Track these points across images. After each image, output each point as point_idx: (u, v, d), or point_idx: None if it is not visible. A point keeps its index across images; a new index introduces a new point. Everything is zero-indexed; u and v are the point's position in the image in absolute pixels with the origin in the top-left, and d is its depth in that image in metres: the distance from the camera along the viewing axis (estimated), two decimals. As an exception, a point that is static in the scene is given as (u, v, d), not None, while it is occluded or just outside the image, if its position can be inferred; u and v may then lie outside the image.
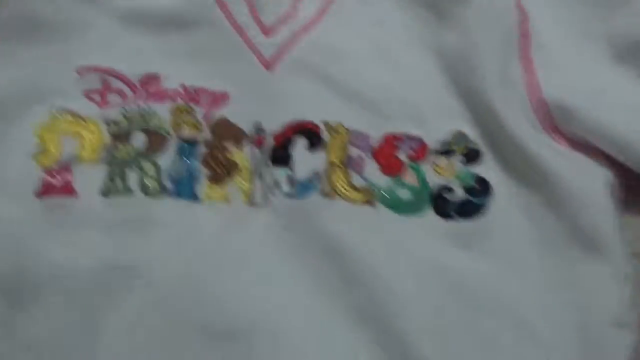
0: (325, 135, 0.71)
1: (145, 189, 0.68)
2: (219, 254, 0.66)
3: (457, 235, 0.69)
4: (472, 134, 0.72)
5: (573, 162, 0.70)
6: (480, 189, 0.70)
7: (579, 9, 0.73)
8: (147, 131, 0.70)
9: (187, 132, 0.71)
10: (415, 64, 0.74)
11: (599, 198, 0.69)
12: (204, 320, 0.65)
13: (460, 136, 0.72)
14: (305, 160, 0.70)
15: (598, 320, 0.67)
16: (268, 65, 0.73)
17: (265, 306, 0.65)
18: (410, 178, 0.71)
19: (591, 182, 0.69)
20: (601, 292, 0.67)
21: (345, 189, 0.69)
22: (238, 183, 0.70)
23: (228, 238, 0.67)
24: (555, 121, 0.71)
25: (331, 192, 0.69)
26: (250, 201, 0.69)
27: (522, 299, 0.67)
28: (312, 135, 0.71)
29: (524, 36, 0.73)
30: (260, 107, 0.71)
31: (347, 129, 0.71)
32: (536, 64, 0.72)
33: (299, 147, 0.70)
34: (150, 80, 0.72)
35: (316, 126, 0.71)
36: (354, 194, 0.69)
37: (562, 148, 0.71)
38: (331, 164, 0.70)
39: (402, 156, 0.71)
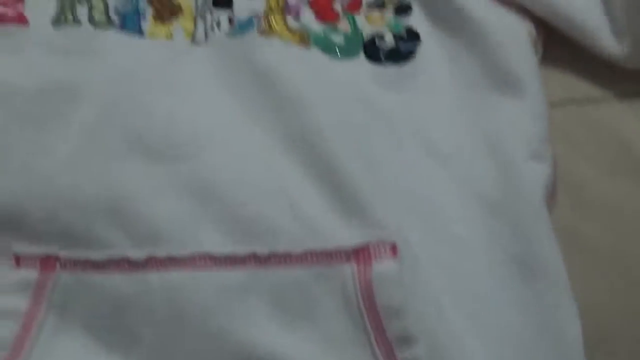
0: None
1: (93, 21, 0.72)
2: (161, 80, 0.70)
3: (385, 77, 0.73)
4: None
5: (497, 13, 0.75)
6: (409, 37, 0.75)
7: None
8: None
9: None
10: None
11: (519, 43, 0.74)
12: (145, 137, 0.67)
13: None
14: (245, 3, 0.74)
15: (516, 153, 0.71)
16: None
17: (201, 128, 0.68)
18: (344, 26, 0.75)
19: (513, 29, 0.75)
20: (519, 128, 0.72)
21: (281, 29, 0.74)
22: (181, 23, 0.74)
23: (170, 69, 0.71)
24: (482, -25, 0.76)
25: (268, 31, 0.73)
26: (192, 39, 0.73)
27: (443, 133, 0.72)
28: None
29: None
30: None
31: None
32: None
33: None
34: None
35: None
36: (289, 35, 0.74)
37: (488, 1, 0.76)
38: (270, 7, 0.74)
39: (337, 7, 0.76)
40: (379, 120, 0.72)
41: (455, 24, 0.75)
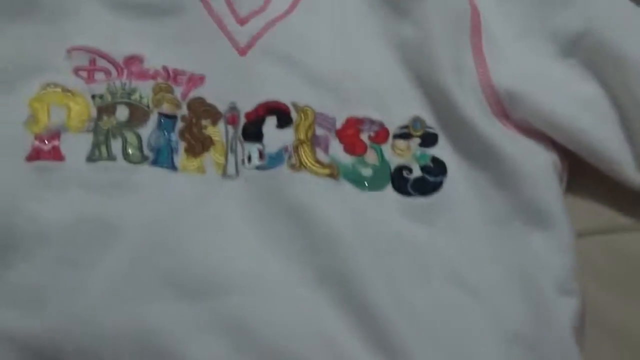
0: (294, 115, 0.76)
1: (127, 156, 0.73)
2: (194, 217, 0.70)
3: (413, 210, 0.74)
4: (429, 118, 0.77)
5: (521, 144, 0.77)
6: (436, 168, 0.76)
7: (524, 7, 0.81)
8: (129, 105, 0.75)
9: (166, 107, 0.75)
10: (375, 54, 0.80)
11: (545, 175, 0.75)
12: (180, 278, 0.68)
13: (418, 121, 0.78)
14: (275, 136, 0.75)
15: (546, 288, 0.72)
16: (242, 51, 0.78)
17: (235, 266, 0.69)
18: (371, 157, 0.77)
19: (537, 162, 0.76)
20: (548, 262, 0.73)
21: (311, 163, 0.75)
22: (212, 156, 0.75)
23: (202, 203, 0.72)
24: (505, 107, 0.77)
25: (298, 165, 0.74)
26: (224, 172, 0.74)
27: (472, 268, 0.72)
28: (281, 114, 0.76)
29: (475, 29, 0.79)
30: (234, 89, 0.76)
31: (313, 110, 0.77)
32: (486, 55, 0.78)
33: (270, 125, 0.76)
34: (133, 60, 0.76)
35: (286, 106, 0.76)
36: (319, 168, 0.75)
37: (511, 132, 0.77)
38: (299, 140, 0.75)
39: (364, 138, 0.77)
40: (408, 253, 0.72)
41: (480, 154, 0.76)
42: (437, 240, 0.73)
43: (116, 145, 0.73)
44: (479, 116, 0.76)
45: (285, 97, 0.77)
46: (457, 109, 0.76)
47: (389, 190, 0.76)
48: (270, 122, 0.75)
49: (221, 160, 0.75)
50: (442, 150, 0.77)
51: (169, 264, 0.68)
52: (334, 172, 0.75)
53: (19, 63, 0.75)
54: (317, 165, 0.75)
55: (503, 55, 0.78)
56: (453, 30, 0.78)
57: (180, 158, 0.74)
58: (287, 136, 0.75)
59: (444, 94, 0.76)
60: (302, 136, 0.76)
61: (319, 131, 0.77)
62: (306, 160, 0.75)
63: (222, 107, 0.77)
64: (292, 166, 0.74)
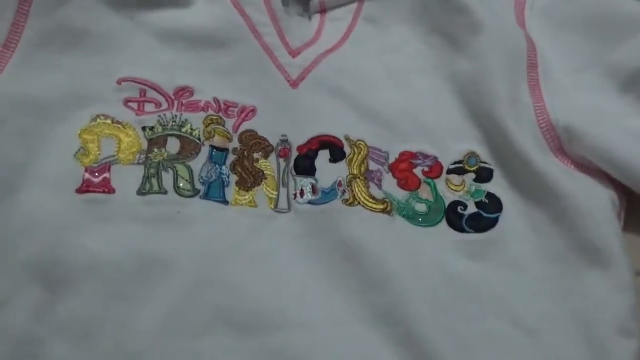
0: (346, 148, 0.75)
1: (178, 190, 0.72)
2: (246, 252, 0.69)
3: (468, 246, 0.73)
4: (483, 153, 0.76)
5: (578, 181, 0.75)
6: (491, 204, 0.75)
7: (582, 41, 0.79)
8: (180, 137, 0.74)
9: (217, 140, 0.74)
10: (428, 88, 0.79)
11: (603, 213, 0.73)
12: (232, 313, 0.67)
13: (472, 156, 0.77)
14: (328, 170, 0.74)
15: (604, 328, 0.70)
16: (293, 83, 0.77)
17: (287, 302, 0.68)
18: (425, 193, 0.75)
19: (595, 199, 0.74)
20: (606, 302, 0.71)
21: (364, 198, 0.73)
22: (264, 190, 0.73)
23: (254, 238, 0.70)
24: (562, 143, 0.76)
25: (351, 200, 0.73)
26: (275, 206, 0.73)
27: (528, 306, 0.71)
28: (334, 148, 0.75)
29: (532, 64, 0.78)
30: (286, 121, 0.75)
31: (366, 144, 0.76)
32: (543, 89, 0.77)
33: (322, 159, 0.74)
34: (184, 92, 0.76)
35: (338, 140, 0.75)
36: (373, 203, 0.73)
37: (568, 168, 0.75)
38: (352, 175, 0.74)
39: (418, 172, 0.76)
40: (463, 290, 0.71)
41: (537, 190, 0.74)
42: (492, 277, 0.72)
43: (167, 178, 0.72)
44: (536, 151, 0.74)
45: (337, 131, 0.76)
46: (513, 144, 0.75)
47: (444, 226, 0.74)
48: (323, 156, 0.74)
49: (273, 194, 0.73)
50: (497, 186, 0.75)
51: (220, 299, 0.68)
52: (388, 207, 0.74)
53: (69, 94, 0.73)
54: (371, 200, 0.74)
55: (560, 90, 0.77)
56: (510, 64, 0.77)
57: (231, 191, 0.73)
58: (340, 170, 0.74)
59: (500, 129, 0.75)
60: (355, 171, 0.74)
61: (372, 166, 0.75)
62: (360, 195, 0.73)
63: (273, 140, 0.75)
64: (346, 201, 0.73)
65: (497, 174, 0.76)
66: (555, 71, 0.78)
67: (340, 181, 0.74)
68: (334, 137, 0.75)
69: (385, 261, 0.70)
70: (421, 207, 0.75)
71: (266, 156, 0.75)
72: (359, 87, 0.77)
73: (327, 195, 0.73)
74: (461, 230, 0.74)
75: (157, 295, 0.67)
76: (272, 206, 0.73)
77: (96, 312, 0.66)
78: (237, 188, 0.73)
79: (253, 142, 0.75)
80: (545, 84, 0.77)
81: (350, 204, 0.73)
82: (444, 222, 0.74)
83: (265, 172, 0.74)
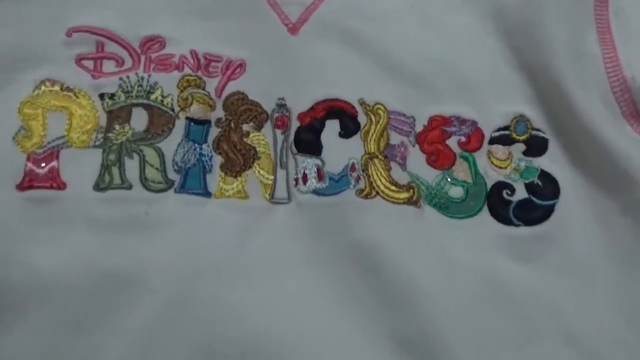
0: (361, 117, 0.61)
1: (146, 182, 0.58)
2: (235, 262, 0.58)
3: (516, 244, 0.60)
4: (536, 118, 0.62)
5: None
6: (545, 186, 0.61)
7: None
8: (148, 107, 0.60)
9: (196, 109, 0.60)
10: (466, 29, 0.64)
11: None
12: (218, 343, 0.56)
13: (522, 120, 0.62)
14: (337, 148, 0.60)
15: None
16: (292, 28, 0.63)
17: (287, 329, 0.57)
18: (461, 172, 0.61)
19: None
20: None
21: (385, 186, 0.59)
22: (257, 174, 0.60)
23: (245, 243, 0.58)
24: (640, 109, 0.61)
25: (368, 189, 0.59)
26: (271, 196, 0.59)
27: (592, 325, 0.59)
28: (346, 117, 0.61)
29: (601, 1, 0.62)
30: (284, 80, 0.61)
31: (386, 109, 0.61)
32: (616, 35, 0.62)
33: (331, 133, 0.60)
34: (152, 43, 0.61)
35: (351, 106, 0.61)
36: (395, 192, 0.60)
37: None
38: (369, 154, 0.60)
39: (453, 144, 0.62)
40: (510, 305, 0.59)
41: (605, 170, 0.60)
42: (547, 286, 0.59)
43: (131, 166, 0.59)
44: (604, 119, 0.60)
45: (349, 92, 0.61)
46: (574, 108, 0.60)
47: (485, 217, 0.60)
48: (331, 129, 0.61)
49: (268, 179, 0.60)
50: (553, 162, 0.62)
51: (202, 326, 0.57)
52: (414, 195, 0.60)
53: (3, 53, 0.60)
54: (393, 188, 0.60)
55: (638, 35, 0.61)
56: (571, 1, 0.62)
57: (215, 179, 0.59)
58: (353, 148, 0.60)
59: (558, 87, 0.61)
60: (372, 147, 0.60)
61: (394, 138, 0.61)
62: (378, 183, 0.60)
63: (267, 106, 0.61)
64: (361, 192, 0.59)
65: (553, 145, 0.62)
66: (631, 8, 0.62)
67: (353, 164, 0.60)
68: (345, 102, 0.61)
69: (412, 272, 0.58)
70: (456, 192, 0.61)
71: (259, 127, 0.61)
72: (376, 30, 0.63)
73: (337, 183, 0.59)
74: (507, 222, 0.60)
75: (123, 323, 0.56)
76: (268, 196, 0.59)
77: (48, 346, 0.56)
78: (222, 174, 0.60)
79: (242, 109, 0.61)
80: (618, 27, 0.62)
81: (367, 196, 0.59)
82: (485, 212, 0.60)
83: (258, 149, 0.60)
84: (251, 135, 0.60)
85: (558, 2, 0.62)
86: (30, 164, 0.58)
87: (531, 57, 0.62)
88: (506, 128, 0.62)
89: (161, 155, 0.59)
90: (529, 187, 0.61)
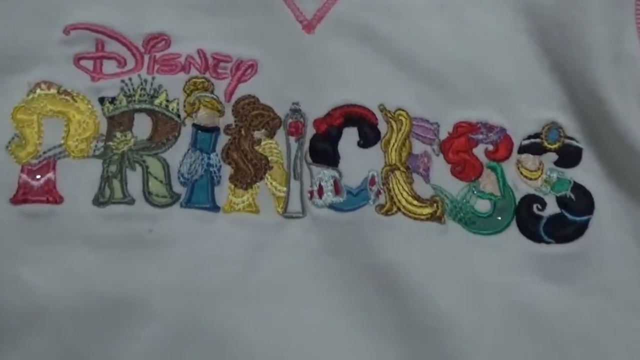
0: (382, 125, 0.57)
1: (149, 196, 0.55)
2: (245, 283, 0.54)
3: (546, 263, 0.56)
4: (570, 125, 0.58)
5: None
6: (578, 200, 0.57)
7: None
8: (152, 113, 0.56)
9: (204, 115, 0.56)
10: (495, 27, 0.59)
11: None
12: None
13: (554, 128, 0.58)
14: (356, 159, 0.56)
15: None
16: (308, 25, 0.58)
17: (300, 354, 0.54)
18: (489, 184, 0.57)
19: None
20: None
21: (407, 201, 0.56)
22: (269, 185, 0.56)
23: (256, 262, 0.55)
24: (685, 114, 0.57)
25: (389, 205, 0.55)
26: (285, 210, 0.55)
27: (630, 351, 0.56)
28: (365, 125, 0.57)
29: None
30: (298, 82, 0.57)
31: (409, 115, 0.57)
32: None
33: (349, 141, 0.56)
34: (157, 42, 0.57)
35: (371, 113, 0.57)
36: (418, 207, 0.56)
37: None
38: (390, 166, 0.56)
39: (479, 153, 0.57)
40: (538, 329, 0.56)
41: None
42: (580, 309, 0.56)
43: (134, 179, 0.55)
44: None
45: (369, 97, 0.57)
46: (610, 115, 0.56)
47: (513, 234, 0.57)
48: (349, 137, 0.56)
49: (281, 191, 0.56)
50: (587, 174, 0.58)
51: (210, 351, 0.54)
52: (438, 210, 0.56)
53: (2, 53, 0.56)
54: (416, 202, 0.56)
55: None
56: (611, 1, 0.57)
57: (224, 191, 0.56)
58: (373, 159, 0.56)
59: (594, 92, 0.57)
60: (394, 158, 0.56)
61: (417, 147, 0.57)
62: (400, 197, 0.56)
63: (281, 110, 0.57)
64: (381, 208, 0.56)
65: (587, 156, 0.58)
66: None
67: (373, 177, 0.56)
68: (365, 108, 0.57)
69: (435, 296, 0.55)
70: (483, 206, 0.57)
71: (271, 134, 0.57)
72: (398, 28, 0.58)
73: (355, 198, 0.56)
74: (537, 239, 0.56)
75: (124, 351, 0.53)
76: (281, 209, 0.56)
77: None
78: (231, 186, 0.56)
79: (253, 115, 0.57)
80: None
81: (387, 212, 0.55)
82: (513, 228, 0.57)
83: (270, 158, 0.56)
84: (263, 143, 0.56)
85: (599, 4, 0.57)
86: (24, 176, 0.54)
87: (566, 59, 0.58)
88: (537, 136, 0.58)
89: (166, 166, 0.55)
90: (561, 201, 0.57)
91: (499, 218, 0.56)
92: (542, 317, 0.55)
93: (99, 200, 0.54)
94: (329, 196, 0.55)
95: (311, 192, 0.55)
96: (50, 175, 0.54)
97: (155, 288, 0.53)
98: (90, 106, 0.56)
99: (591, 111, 0.57)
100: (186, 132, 0.56)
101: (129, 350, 0.53)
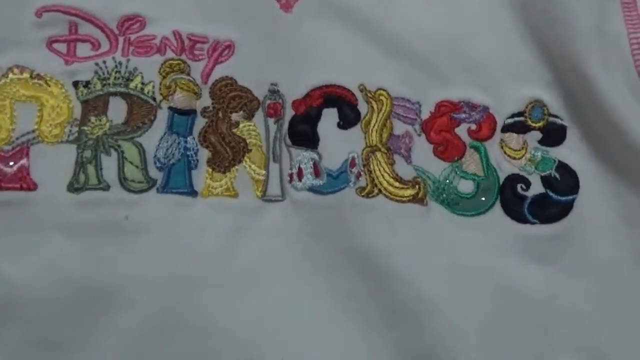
0: (362, 105, 0.56)
1: (125, 181, 0.53)
2: (223, 271, 0.53)
3: (531, 244, 0.56)
4: (554, 103, 0.57)
5: None
6: (563, 180, 0.56)
7: None
8: (127, 97, 0.55)
9: (180, 98, 0.55)
10: (477, 4, 0.58)
11: None
12: (207, 359, 0.53)
13: (538, 105, 0.57)
14: (336, 140, 0.55)
15: None
16: (286, 4, 0.57)
17: (282, 341, 0.53)
18: (472, 164, 0.56)
19: None
20: None
21: (388, 182, 0.55)
22: (248, 168, 0.55)
23: (235, 248, 0.54)
24: (670, 92, 0.56)
25: (370, 188, 0.54)
26: (264, 194, 0.54)
27: (617, 334, 0.55)
28: (344, 105, 0.56)
29: None
30: (276, 63, 0.56)
31: (389, 95, 0.56)
32: None
33: (328, 123, 0.55)
34: (131, 23, 0.56)
35: (350, 93, 0.56)
36: (399, 189, 0.55)
37: None
38: (370, 148, 0.55)
39: (462, 132, 0.57)
40: (523, 312, 0.55)
41: (630, 163, 0.56)
42: (566, 291, 0.55)
43: (109, 164, 0.54)
44: (629, 104, 0.55)
45: (349, 77, 0.56)
46: (595, 92, 0.55)
47: (497, 214, 0.56)
48: (329, 118, 0.55)
49: (260, 174, 0.55)
50: (572, 152, 0.57)
51: (189, 340, 0.52)
52: (420, 191, 0.55)
53: None
54: (397, 184, 0.55)
55: None
56: None
57: (202, 176, 0.54)
58: (353, 141, 0.55)
59: (578, 69, 0.56)
60: (374, 139, 0.55)
61: (398, 127, 0.56)
62: (382, 179, 0.55)
63: (259, 92, 0.56)
64: (362, 190, 0.54)
65: (572, 134, 0.57)
66: None
67: (353, 159, 0.55)
68: (344, 88, 0.56)
69: (418, 280, 0.54)
70: (466, 186, 0.56)
71: (250, 116, 0.56)
72: (378, 6, 0.57)
73: (336, 180, 0.55)
74: (522, 220, 0.56)
75: (101, 341, 0.52)
76: (260, 193, 0.55)
77: None
78: (209, 170, 0.55)
79: (231, 96, 0.56)
80: None
81: (368, 194, 0.54)
82: (497, 209, 0.56)
83: (248, 140, 0.55)
84: (241, 125, 0.55)
85: None
86: (-4, 162, 0.53)
87: (549, 36, 0.57)
88: (521, 114, 0.57)
89: (142, 150, 0.54)
90: (546, 180, 0.56)
91: (483, 199, 0.55)
92: (528, 298, 0.54)
93: (74, 187, 0.52)
94: (308, 179, 0.54)
95: (291, 175, 0.54)
96: (23, 161, 0.53)
97: (132, 276, 0.52)
98: (64, 90, 0.54)
99: (576, 89, 0.56)
100: (162, 115, 0.54)
101: (106, 339, 0.52)
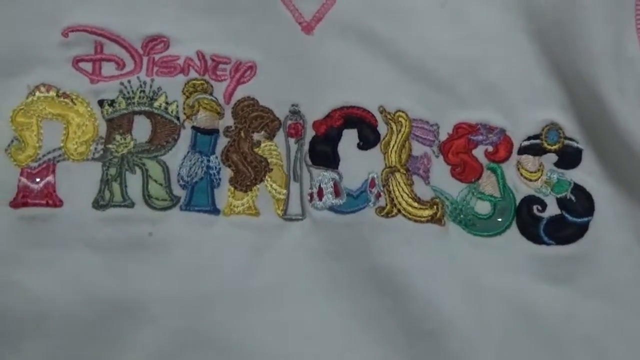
0: (381, 126, 0.56)
1: (149, 199, 0.54)
2: (244, 288, 0.54)
3: (547, 265, 0.56)
4: (570, 126, 0.57)
5: None
6: (578, 202, 0.57)
7: None
8: (151, 116, 0.55)
9: (203, 117, 0.56)
10: (495, 27, 0.58)
11: None
12: None
13: (554, 129, 0.57)
14: (356, 161, 0.56)
15: None
16: (307, 26, 0.57)
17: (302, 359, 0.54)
18: (489, 185, 0.57)
19: None
20: None
21: (407, 203, 0.55)
22: (269, 188, 0.55)
23: (256, 265, 0.55)
24: (686, 118, 0.56)
25: (390, 208, 0.55)
26: (285, 212, 0.55)
27: (633, 357, 0.56)
28: (365, 126, 0.56)
29: None
30: (297, 84, 0.57)
31: (408, 117, 0.56)
32: None
33: (348, 143, 0.56)
34: (156, 43, 0.56)
35: (370, 115, 0.56)
36: (418, 209, 0.55)
37: None
38: (390, 168, 0.56)
39: (479, 154, 0.57)
40: (539, 332, 0.56)
41: None
42: (580, 312, 0.56)
43: (134, 182, 0.55)
44: None
45: (369, 99, 0.57)
46: (611, 116, 0.56)
47: (514, 235, 0.56)
48: (349, 139, 0.56)
49: (281, 193, 0.56)
50: (587, 175, 0.57)
51: (211, 357, 0.54)
52: (439, 212, 0.56)
53: (1, 56, 0.56)
54: (416, 204, 0.56)
55: None
56: (612, 3, 0.56)
57: (224, 194, 0.55)
58: (373, 161, 0.56)
59: (595, 94, 0.56)
60: (394, 160, 0.56)
61: (417, 149, 0.57)
62: (401, 199, 0.55)
63: (280, 112, 0.57)
64: (381, 210, 0.55)
65: (587, 157, 0.57)
66: None
67: (373, 179, 0.56)
68: (364, 109, 0.56)
69: (435, 299, 0.55)
70: (483, 207, 0.57)
71: (271, 136, 0.56)
72: (397, 29, 0.57)
73: (356, 200, 0.55)
74: (538, 240, 0.56)
75: (124, 357, 0.53)
76: (280, 212, 0.55)
77: None
78: (231, 188, 0.56)
79: (253, 116, 0.56)
80: None
81: (387, 214, 0.55)
82: (514, 230, 0.56)
83: (269, 160, 0.56)
84: (262, 145, 0.56)
85: (599, 4, 0.57)
86: (24, 179, 0.54)
87: (565, 60, 0.57)
88: (537, 137, 0.57)
89: (165, 169, 0.55)
90: (561, 202, 0.57)
91: (499, 219, 0.56)
92: (543, 319, 0.55)
93: (99, 203, 0.54)
94: (328, 198, 0.55)
95: (311, 194, 0.55)
96: (49, 178, 0.54)
97: (155, 292, 0.53)
98: (89, 109, 0.55)
99: (591, 112, 0.57)
100: (185, 134, 0.55)
101: (129, 355, 0.53)
